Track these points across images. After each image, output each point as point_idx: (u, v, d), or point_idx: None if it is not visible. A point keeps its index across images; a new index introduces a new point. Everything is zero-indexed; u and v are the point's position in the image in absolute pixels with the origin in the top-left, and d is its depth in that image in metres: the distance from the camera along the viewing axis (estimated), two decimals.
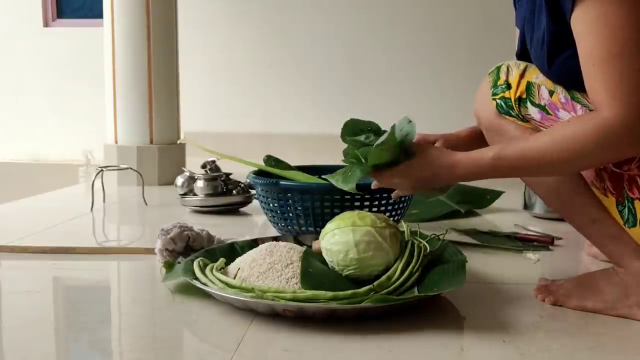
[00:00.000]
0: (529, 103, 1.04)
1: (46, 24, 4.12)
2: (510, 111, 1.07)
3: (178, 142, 2.28)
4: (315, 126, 3.84)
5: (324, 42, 3.88)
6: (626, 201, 0.97)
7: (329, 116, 3.89)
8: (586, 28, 0.88)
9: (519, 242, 1.55)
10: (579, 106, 0.98)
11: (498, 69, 1.10)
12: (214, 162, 2.02)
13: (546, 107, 1.02)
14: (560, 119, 1.01)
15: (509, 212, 1.97)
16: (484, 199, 2.01)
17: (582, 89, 0.94)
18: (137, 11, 2.52)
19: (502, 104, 1.08)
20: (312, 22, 3.88)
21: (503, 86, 1.08)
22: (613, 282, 1.04)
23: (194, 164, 2.19)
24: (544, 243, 1.54)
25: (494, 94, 1.09)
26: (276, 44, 3.92)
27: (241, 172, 1.99)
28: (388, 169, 1.07)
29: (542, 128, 1.04)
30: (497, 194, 2.00)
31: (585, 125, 0.89)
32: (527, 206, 1.92)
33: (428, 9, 3.80)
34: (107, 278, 1.37)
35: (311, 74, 3.91)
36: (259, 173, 1.63)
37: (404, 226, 1.17)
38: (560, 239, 1.56)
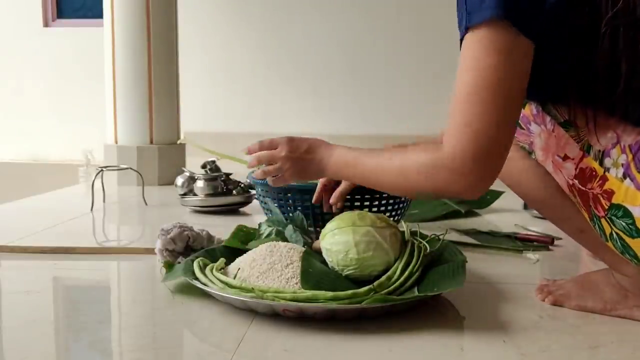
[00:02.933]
0: None
1: (46, 24, 4.13)
2: None
3: (178, 142, 2.28)
4: (315, 126, 3.84)
5: (324, 42, 3.89)
6: (595, 218, 0.97)
7: (329, 116, 3.90)
8: (462, 62, 0.90)
9: (519, 242, 1.55)
10: (548, 118, 0.98)
11: None
12: (214, 162, 2.02)
13: (519, 121, 1.02)
14: (532, 133, 1.01)
15: (509, 212, 1.97)
16: (484, 199, 2.01)
17: (554, 100, 0.96)
18: (137, 11, 2.52)
19: None
20: (312, 23, 3.88)
21: None
22: (612, 283, 1.04)
23: (194, 164, 2.19)
24: (544, 243, 1.54)
25: None
26: (276, 44, 3.92)
27: (241, 172, 1.99)
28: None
29: (519, 143, 1.06)
30: (497, 194, 2.00)
31: (424, 157, 0.94)
32: (527, 206, 1.92)
33: (427, 9, 3.80)
34: (107, 278, 1.37)
35: (311, 74, 3.91)
36: None
37: (404, 226, 1.17)
38: (560, 239, 1.56)
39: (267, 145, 1.16)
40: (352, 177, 1.10)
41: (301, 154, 1.13)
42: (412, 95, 3.82)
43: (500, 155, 0.90)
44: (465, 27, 0.89)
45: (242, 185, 1.99)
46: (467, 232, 1.65)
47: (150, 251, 1.36)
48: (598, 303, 1.05)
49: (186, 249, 1.28)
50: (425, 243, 1.13)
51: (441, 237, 1.18)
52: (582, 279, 1.11)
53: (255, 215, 1.94)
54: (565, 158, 0.97)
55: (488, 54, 0.87)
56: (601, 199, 0.93)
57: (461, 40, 0.91)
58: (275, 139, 1.15)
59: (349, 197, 1.47)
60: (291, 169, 1.14)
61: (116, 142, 2.61)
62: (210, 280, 1.06)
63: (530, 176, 1.08)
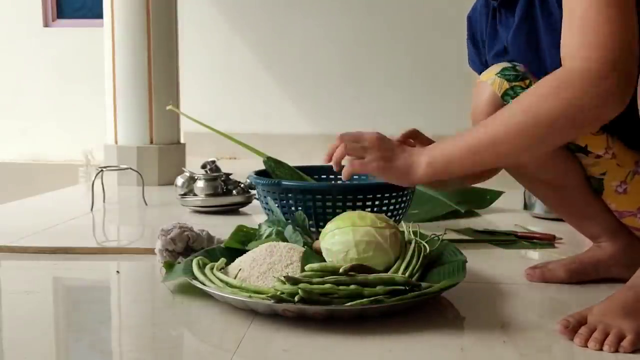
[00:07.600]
0: None
1: (46, 24, 4.13)
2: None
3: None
4: (315, 126, 3.84)
5: (324, 42, 3.89)
6: None
7: (329, 116, 3.90)
8: None
9: (524, 241, 1.54)
10: None
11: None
12: (214, 162, 2.02)
13: None
14: None
15: (509, 212, 1.97)
16: (484, 199, 2.01)
17: None
18: (137, 11, 2.52)
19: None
20: (312, 23, 3.88)
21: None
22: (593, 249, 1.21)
23: (194, 164, 2.19)
24: (547, 240, 1.54)
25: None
26: (276, 44, 3.92)
27: (241, 172, 1.99)
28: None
29: None
30: (497, 194, 2.00)
31: (565, 80, 0.87)
32: (527, 206, 1.92)
33: (427, 10, 3.80)
34: (107, 278, 1.37)
35: (311, 74, 3.91)
36: (260, 173, 1.64)
37: (404, 226, 1.17)
38: (561, 239, 1.56)
39: (352, 137, 1.05)
40: (471, 163, 0.97)
41: (392, 146, 1.02)
42: (411, 95, 3.82)
43: (635, 60, 0.85)
44: None
45: (242, 185, 1.99)
46: (465, 232, 1.64)
47: (150, 251, 1.36)
48: (580, 265, 1.18)
49: (186, 249, 1.28)
50: (425, 243, 1.13)
51: (441, 237, 1.19)
52: (569, 258, 1.24)
53: (255, 215, 1.94)
54: None
55: None
56: None
57: None
58: (363, 132, 1.05)
59: (349, 197, 1.47)
60: (378, 155, 1.01)
61: (116, 142, 2.61)
62: (210, 280, 1.06)
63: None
